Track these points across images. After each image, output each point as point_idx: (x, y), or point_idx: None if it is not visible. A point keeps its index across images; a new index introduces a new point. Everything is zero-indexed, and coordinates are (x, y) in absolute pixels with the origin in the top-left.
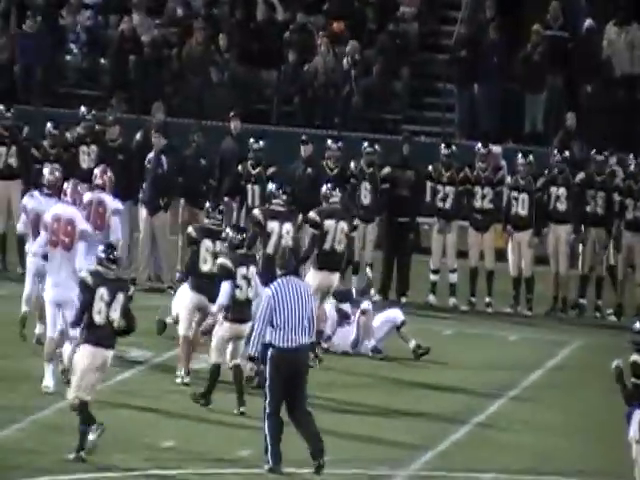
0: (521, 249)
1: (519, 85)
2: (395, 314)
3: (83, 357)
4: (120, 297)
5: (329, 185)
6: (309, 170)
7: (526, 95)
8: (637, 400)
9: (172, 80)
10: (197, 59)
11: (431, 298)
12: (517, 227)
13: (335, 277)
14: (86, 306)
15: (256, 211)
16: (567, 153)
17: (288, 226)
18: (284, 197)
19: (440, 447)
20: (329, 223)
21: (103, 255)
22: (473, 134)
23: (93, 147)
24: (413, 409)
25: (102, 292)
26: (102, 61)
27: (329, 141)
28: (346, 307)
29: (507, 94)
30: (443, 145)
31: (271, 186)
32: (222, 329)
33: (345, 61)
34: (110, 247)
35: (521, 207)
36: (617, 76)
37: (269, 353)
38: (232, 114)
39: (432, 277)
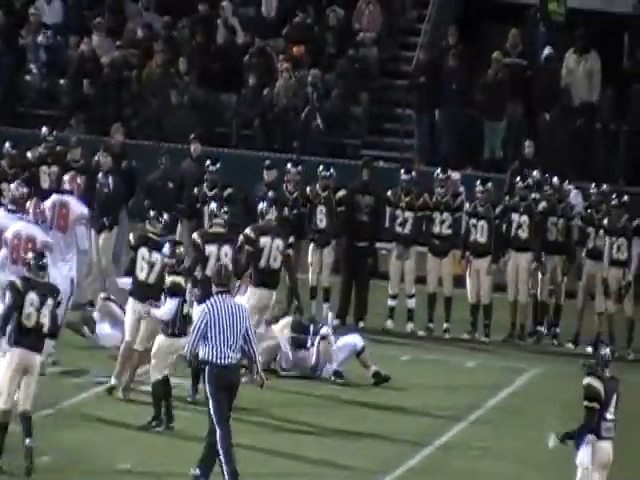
0: (479, 276)
1: (479, 112)
2: (355, 340)
3: (10, 360)
4: (49, 302)
5: (265, 203)
6: (270, 194)
7: (485, 122)
8: (590, 425)
9: (132, 102)
10: (157, 81)
11: (389, 323)
12: (476, 254)
13: (272, 294)
14: (12, 310)
15: (195, 235)
16: (530, 181)
17: (226, 248)
18: (225, 217)
19: (396, 472)
20: (264, 240)
21: (32, 262)
22: (432, 160)
23: (54, 168)
24: (370, 433)
25: (32, 297)
26: (61, 82)
27: (289, 165)
28: (302, 337)
29: (467, 120)
30: (403, 170)
31: (213, 205)
32: (162, 345)
33: (308, 85)
34: (40, 255)
35: (480, 234)
36: (576, 104)
37: (206, 370)
38: (192, 137)
39: (390, 302)
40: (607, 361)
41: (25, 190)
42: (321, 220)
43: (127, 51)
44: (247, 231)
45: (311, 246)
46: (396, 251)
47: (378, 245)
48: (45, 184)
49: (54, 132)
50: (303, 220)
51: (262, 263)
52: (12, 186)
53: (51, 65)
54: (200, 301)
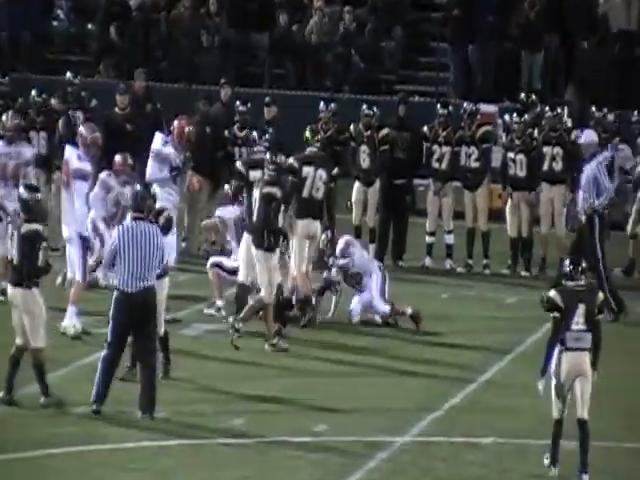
0: (520, 210)
1: (515, 43)
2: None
3: None
4: (15, 236)
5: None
6: (270, 130)
7: (522, 54)
8: (553, 335)
9: (161, 45)
10: (186, 23)
11: (427, 261)
12: (515, 187)
13: (317, 224)
14: None
15: (237, 163)
16: (560, 110)
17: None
18: (265, 144)
19: (439, 412)
20: (307, 170)
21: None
22: (468, 93)
23: (79, 113)
24: (411, 374)
25: (10, 231)
26: (89, 26)
27: (321, 103)
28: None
29: (503, 53)
30: (440, 105)
31: (254, 133)
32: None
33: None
34: (29, 188)
35: (519, 168)
36: (614, 32)
37: (114, 294)
38: (222, 82)
39: (428, 239)
40: (567, 274)
41: (16, 120)
42: (364, 160)
43: None
44: (290, 160)
45: (356, 185)
46: (433, 187)
47: (415, 182)
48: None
49: (78, 77)
50: (338, 159)
51: (305, 193)
52: (3, 117)
53: (78, 10)
54: (251, 232)
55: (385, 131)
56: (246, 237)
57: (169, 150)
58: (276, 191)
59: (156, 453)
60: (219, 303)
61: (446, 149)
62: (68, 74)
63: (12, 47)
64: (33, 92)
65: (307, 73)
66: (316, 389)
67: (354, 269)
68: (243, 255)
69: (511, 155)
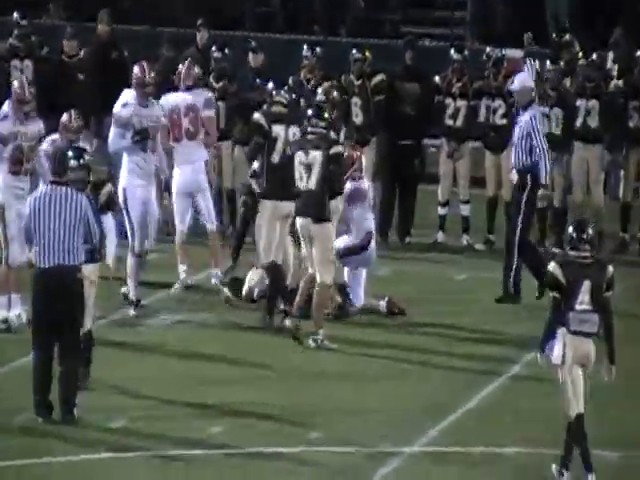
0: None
1: None
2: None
3: None
4: None
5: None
6: (258, 81)
7: None
8: (553, 316)
9: None
10: None
11: (440, 236)
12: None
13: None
14: None
15: (256, 115)
16: (595, 57)
17: (295, 129)
18: (286, 96)
19: (452, 417)
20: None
21: None
22: (489, 35)
23: (27, 62)
24: (420, 371)
25: None
26: None
27: (304, 47)
28: None
29: None
30: (453, 50)
31: (270, 85)
32: None
33: None
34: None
35: (554, 124)
36: None
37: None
38: (198, 23)
39: (441, 211)
40: (573, 241)
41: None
42: (356, 115)
43: None
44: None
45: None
46: (447, 148)
47: (425, 142)
48: (16, 82)
49: (27, 17)
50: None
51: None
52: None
53: None
54: (261, 195)
55: (379, 77)
56: (271, 208)
57: (129, 111)
58: (342, 150)
59: (111, 466)
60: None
61: (461, 103)
62: (15, 14)
63: None
64: None
65: (297, 12)
66: (308, 391)
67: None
68: (265, 233)
69: (544, 110)
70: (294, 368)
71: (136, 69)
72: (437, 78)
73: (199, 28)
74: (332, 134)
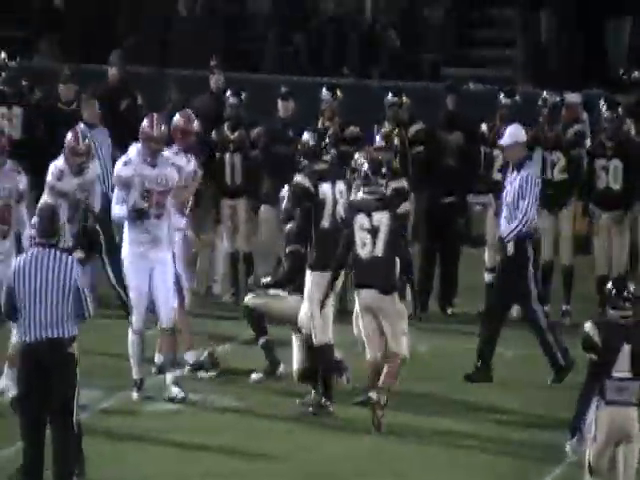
0: (611, 237)
1: (599, 9)
2: None
3: None
4: None
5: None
6: (291, 134)
7: (608, 23)
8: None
9: (123, 13)
10: None
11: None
12: (605, 206)
13: None
14: None
15: (298, 178)
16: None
17: (341, 186)
18: (332, 151)
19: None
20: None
21: None
22: (542, 77)
23: (16, 109)
24: (470, 458)
25: None
26: None
27: (324, 90)
28: None
29: (584, 21)
30: (503, 94)
31: (306, 135)
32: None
33: None
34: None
35: (612, 179)
36: None
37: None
38: (212, 64)
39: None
40: (613, 299)
41: None
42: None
43: None
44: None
45: None
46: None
47: (470, 199)
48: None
49: (17, 58)
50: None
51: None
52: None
53: None
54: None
55: (417, 126)
56: (317, 279)
57: (129, 170)
58: (409, 208)
59: None
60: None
61: None
62: (2, 54)
63: None
64: None
65: (324, 51)
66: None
67: None
68: (318, 308)
69: (601, 162)
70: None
71: (145, 121)
72: (483, 126)
73: (212, 70)
74: (399, 184)
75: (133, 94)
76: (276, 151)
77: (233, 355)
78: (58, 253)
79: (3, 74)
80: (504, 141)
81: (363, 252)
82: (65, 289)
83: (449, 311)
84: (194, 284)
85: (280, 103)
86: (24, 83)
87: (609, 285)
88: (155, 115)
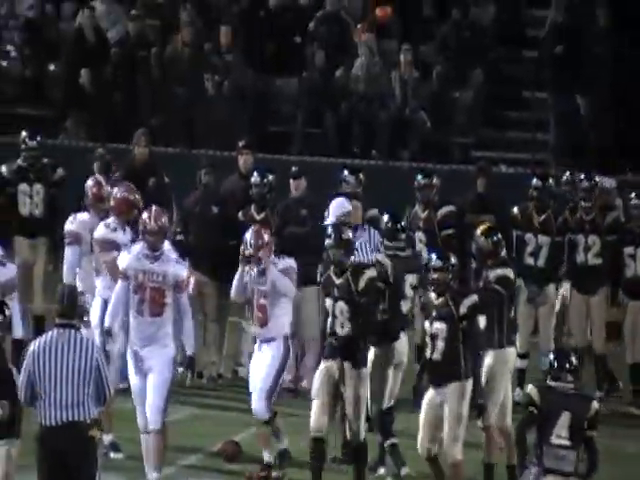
0: (638, 324)
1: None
2: None
3: None
4: None
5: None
6: (304, 212)
7: None
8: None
9: (150, 93)
10: (185, 63)
11: (518, 393)
12: (633, 294)
13: None
14: None
15: (380, 256)
16: None
17: (412, 278)
18: (402, 236)
19: None
20: None
21: None
22: (576, 161)
23: (37, 186)
24: None
25: None
26: (51, 68)
27: (345, 172)
28: None
29: (621, 104)
30: (535, 177)
31: (385, 218)
32: None
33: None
34: None
35: None
36: None
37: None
38: (241, 145)
39: (519, 364)
40: (555, 371)
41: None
42: (420, 250)
43: (143, 22)
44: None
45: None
46: (527, 292)
47: None
48: (24, 209)
49: (38, 137)
50: None
51: None
52: None
53: (37, 45)
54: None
55: (447, 209)
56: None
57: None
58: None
59: None
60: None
61: (544, 239)
62: (23, 134)
63: None
64: None
65: (353, 133)
66: None
67: None
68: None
69: (629, 250)
70: None
71: (144, 215)
72: (515, 210)
73: (242, 151)
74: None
75: (160, 172)
76: (290, 231)
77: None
78: (78, 334)
79: (24, 153)
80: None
81: (427, 353)
82: (86, 371)
83: (480, 401)
84: (220, 368)
85: (292, 182)
86: (45, 161)
87: (551, 357)
88: (155, 208)
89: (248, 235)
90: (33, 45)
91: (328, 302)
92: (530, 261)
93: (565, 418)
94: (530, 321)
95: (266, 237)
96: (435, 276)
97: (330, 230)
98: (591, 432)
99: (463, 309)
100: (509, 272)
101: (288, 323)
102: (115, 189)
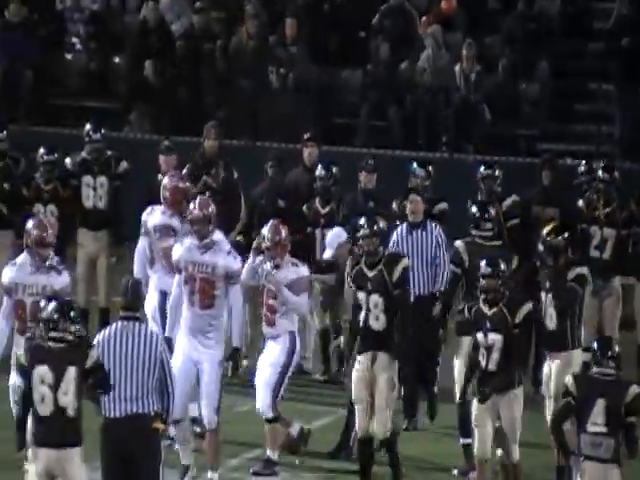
0: None
1: None
2: None
3: (37, 464)
4: (71, 373)
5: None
6: (371, 204)
7: None
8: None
9: (215, 86)
10: (250, 56)
11: None
12: None
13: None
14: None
15: (458, 243)
16: None
17: None
18: (488, 225)
19: None
20: None
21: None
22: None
23: (102, 179)
24: None
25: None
26: (116, 61)
27: (414, 165)
28: None
29: None
30: (602, 170)
31: (474, 209)
32: None
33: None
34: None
35: None
36: None
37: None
38: (306, 137)
39: (584, 357)
40: (597, 357)
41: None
42: None
43: (208, 15)
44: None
45: None
46: (592, 285)
47: None
48: (88, 202)
49: (101, 130)
50: None
51: None
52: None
53: (101, 38)
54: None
55: (511, 200)
56: None
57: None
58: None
59: None
60: None
61: (609, 231)
62: (87, 126)
63: (9, 90)
64: (41, 150)
65: (417, 125)
66: None
67: None
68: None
69: None
70: None
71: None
72: (580, 202)
73: (307, 143)
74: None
75: (229, 167)
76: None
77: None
78: (143, 327)
79: (88, 146)
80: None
81: (482, 363)
82: (150, 363)
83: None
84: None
85: (365, 175)
86: (110, 153)
87: (595, 344)
88: (200, 197)
89: (266, 229)
90: (98, 38)
91: (361, 295)
92: (595, 254)
93: (600, 405)
94: (595, 314)
95: (283, 234)
96: (484, 283)
97: (362, 221)
98: (630, 418)
99: (519, 318)
100: (586, 270)
101: (295, 320)
102: (166, 179)
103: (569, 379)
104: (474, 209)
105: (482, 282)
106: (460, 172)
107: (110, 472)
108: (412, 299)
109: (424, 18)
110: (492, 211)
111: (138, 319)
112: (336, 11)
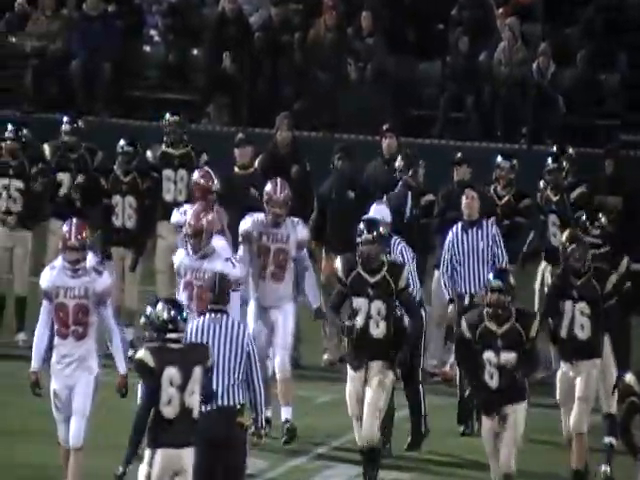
0: None
1: None
2: None
3: (155, 466)
4: (197, 373)
5: None
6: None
7: None
8: None
9: (293, 78)
10: (328, 48)
11: None
12: None
13: None
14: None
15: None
16: None
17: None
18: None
19: None
20: None
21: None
22: None
23: (182, 172)
24: None
25: (171, 373)
26: (194, 53)
27: (499, 158)
28: None
29: None
30: None
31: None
32: None
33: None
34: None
35: None
36: None
37: None
38: (385, 128)
39: None
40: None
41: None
42: (554, 234)
43: (286, 7)
44: None
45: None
46: None
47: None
48: (168, 195)
49: (179, 118)
50: (519, 233)
51: None
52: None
53: (179, 30)
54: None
55: (580, 191)
56: None
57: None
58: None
59: None
60: None
61: None
62: (167, 115)
63: (87, 81)
64: (121, 142)
65: (495, 117)
66: None
67: None
68: None
69: None
70: None
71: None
72: None
73: (385, 134)
74: None
75: (303, 161)
76: (450, 216)
77: None
78: (230, 320)
79: (166, 138)
80: None
81: (490, 383)
82: (237, 356)
83: None
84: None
85: (455, 169)
86: (190, 147)
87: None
88: (195, 207)
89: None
90: (176, 30)
91: (361, 302)
92: None
93: None
94: None
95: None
96: (494, 298)
97: (363, 226)
98: None
99: (533, 332)
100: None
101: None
102: (195, 174)
103: (630, 378)
104: (584, 216)
105: (491, 296)
106: (539, 164)
107: (200, 461)
108: (467, 299)
109: (501, 9)
110: (603, 219)
111: (226, 312)
112: (415, 3)
